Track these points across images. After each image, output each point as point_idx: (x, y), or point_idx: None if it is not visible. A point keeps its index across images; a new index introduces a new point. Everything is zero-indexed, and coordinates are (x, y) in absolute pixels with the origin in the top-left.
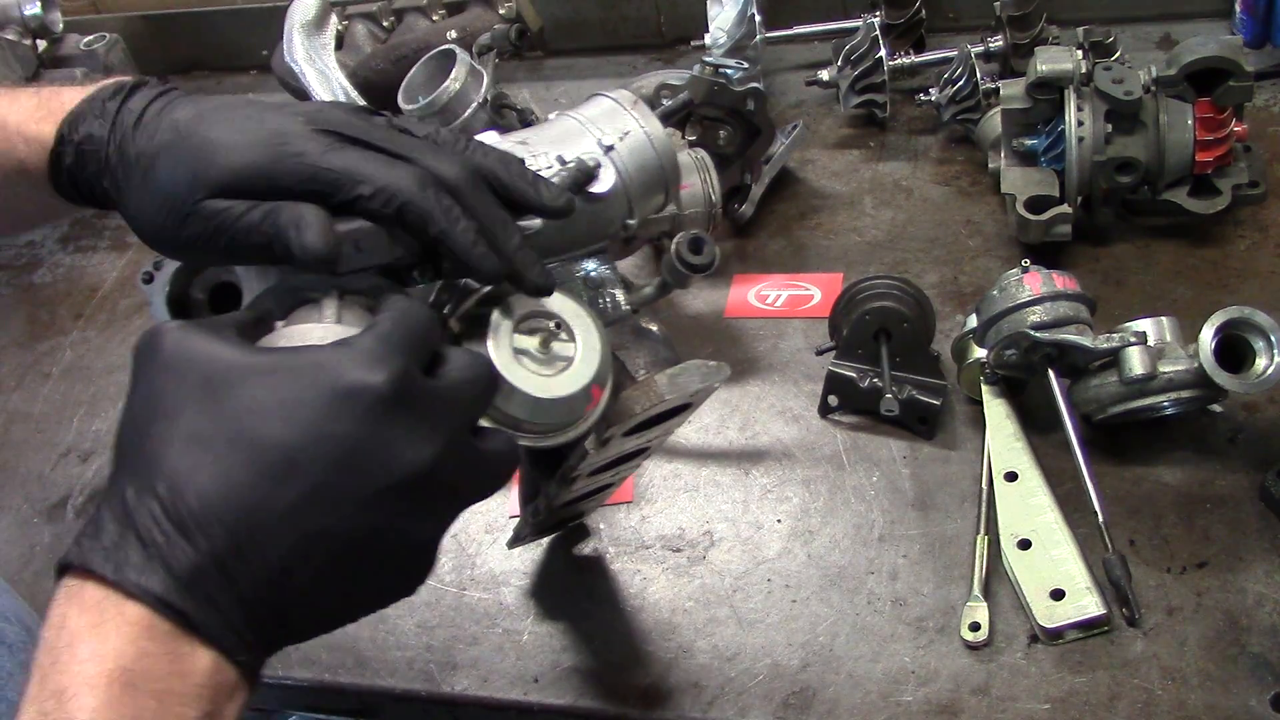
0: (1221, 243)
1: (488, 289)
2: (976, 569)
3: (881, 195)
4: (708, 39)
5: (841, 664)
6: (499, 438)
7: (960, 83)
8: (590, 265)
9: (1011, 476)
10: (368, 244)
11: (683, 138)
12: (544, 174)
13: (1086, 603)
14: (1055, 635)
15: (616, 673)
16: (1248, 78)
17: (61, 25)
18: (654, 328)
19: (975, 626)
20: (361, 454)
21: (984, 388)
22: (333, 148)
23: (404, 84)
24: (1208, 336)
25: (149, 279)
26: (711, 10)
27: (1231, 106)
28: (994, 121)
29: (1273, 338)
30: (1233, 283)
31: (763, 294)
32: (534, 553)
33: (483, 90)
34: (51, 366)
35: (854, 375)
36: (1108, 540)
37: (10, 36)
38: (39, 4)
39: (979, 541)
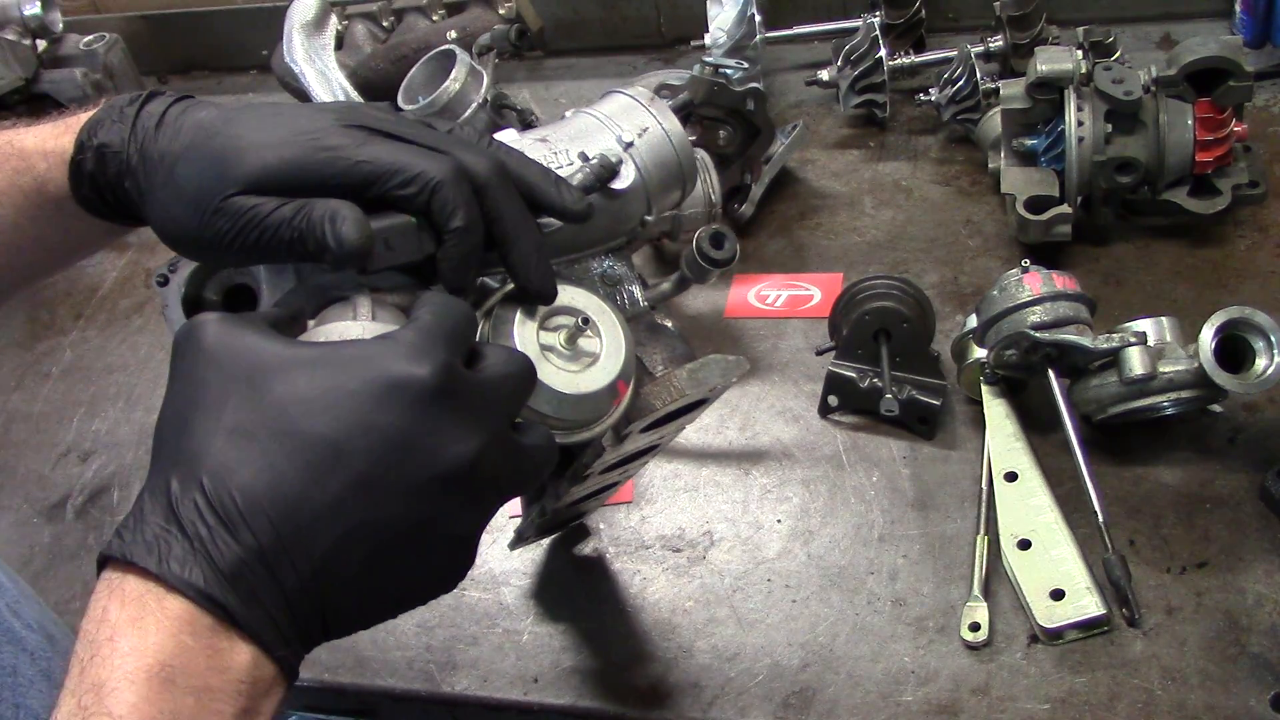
0: (1221, 243)
1: (510, 287)
2: (976, 569)
3: (881, 195)
4: (708, 39)
5: (841, 664)
6: (538, 432)
7: (960, 83)
8: (608, 262)
9: (1011, 476)
10: (397, 241)
11: None
12: (566, 170)
13: (1086, 603)
14: (1055, 635)
15: (616, 673)
16: (1248, 78)
17: (61, 25)
18: (669, 323)
19: (975, 626)
20: (407, 446)
21: (984, 388)
22: (366, 142)
23: (404, 84)
24: (1208, 337)
25: (164, 281)
26: (711, 10)
27: (1231, 106)
28: (994, 121)
29: (1273, 338)
30: (1233, 283)
31: (763, 294)
32: (534, 553)
33: (483, 90)
34: (51, 366)
35: (854, 375)
36: (1108, 540)
37: (10, 36)
38: (39, 4)
39: (979, 541)
